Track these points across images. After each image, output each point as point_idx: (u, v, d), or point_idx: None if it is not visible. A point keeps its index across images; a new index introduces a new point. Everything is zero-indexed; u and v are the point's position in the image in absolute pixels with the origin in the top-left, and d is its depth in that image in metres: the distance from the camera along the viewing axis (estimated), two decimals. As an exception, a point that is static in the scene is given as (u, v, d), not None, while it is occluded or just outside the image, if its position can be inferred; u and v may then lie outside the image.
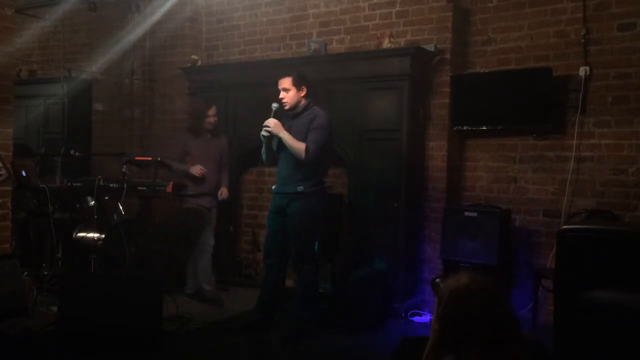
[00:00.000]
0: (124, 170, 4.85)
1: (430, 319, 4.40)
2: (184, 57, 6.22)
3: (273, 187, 4.52)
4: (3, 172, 4.50)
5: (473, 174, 5.18)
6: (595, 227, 3.37)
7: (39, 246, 5.28)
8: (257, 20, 6.11)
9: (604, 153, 4.61)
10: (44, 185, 5.17)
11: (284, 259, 4.44)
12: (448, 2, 5.03)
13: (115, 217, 5.16)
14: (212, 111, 5.18)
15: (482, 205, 4.91)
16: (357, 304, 4.62)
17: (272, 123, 4.19)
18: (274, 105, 4.27)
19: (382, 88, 5.06)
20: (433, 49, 5.01)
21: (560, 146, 4.78)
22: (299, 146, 4.14)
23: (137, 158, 5.11)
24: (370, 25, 5.46)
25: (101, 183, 4.90)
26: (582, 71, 4.62)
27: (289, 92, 4.26)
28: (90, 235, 5.04)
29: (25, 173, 5.05)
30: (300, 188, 4.23)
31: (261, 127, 4.24)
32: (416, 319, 4.90)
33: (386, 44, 5.11)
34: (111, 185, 4.92)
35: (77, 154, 5.38)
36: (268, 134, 4.22)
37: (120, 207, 5.11)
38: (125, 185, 4.78)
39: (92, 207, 5.06)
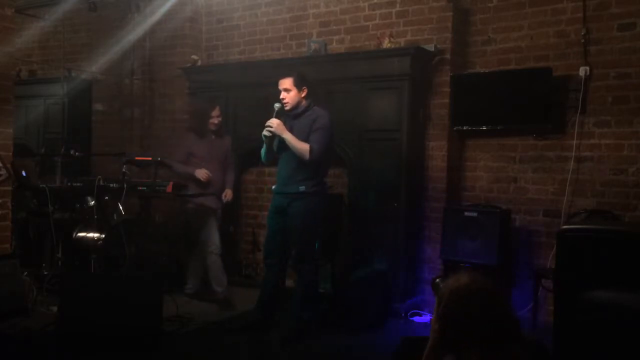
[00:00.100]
0: (124, 170, 4.85)
1: (430, 319, 4.40)
2: (184, 57, 6.22)
3: (273, 187, 4.52)
4: (3, 172, 4.50)
5: (473, 174, 5.18)
6: (595, 227, 3.37)
7: (39, 246, 5.27)
8: (257, 20, 6.11)
9: (604, 153, 4.61)
10: (44, 185, 5.16)
11: (284, 259, 4.44)
12: (448, 2, 5.03)
13: (115, 217, 5.16)
14: (215, 112, 5.13)
15: (482, 205, 4.91)
16: (357, 304, 4.62)
17: (275, 123, 4.19)
18: (276, 105, 4.26)
19: (382, 88, 5.06)
20: (433, 49, 5.01)
21: (560, 146, 4.78)
22: (303, 147, 4.14)
23: (137, 158, 5.10)
24: (370, 25, 5.46)
25: (101, 183, 4.90)
26: (582, 71, 4.62)
27: (290, 93, 4.25)
28: (90, 235, 5.04)
29: (25, 173, 5.04)
30: (302, 188, 4.23)
31: (261, 127, 4.23)
32: (416, 319, 4.90)
33: (386, 44, 5.11)
34: (111, 185, 4.92)
35: (77, 154, 5.38)
36: (270, 134, 4.22)
37: (120, 207, 5.11)
38: (125, 185, 4.78)
39: (92, 207, 5.06)
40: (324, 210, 4.40)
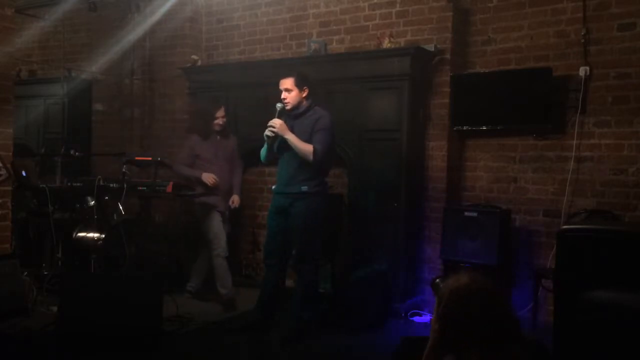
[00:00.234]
0: (124, 170, 4.85)
1: (430, 319, 4.40)
2: (184, 57, 6.22)
3: (273, 187, 4.52)
4: (3, 172, 4.50)
5: (473, 174, 5.18)
6: (595, 227, 3.38)
7: (39, 246, 5.28)
8: (257, 20, 6.11)
9: (604, 153, 4.61)
10: (44, 185, 5.16)
11: (284, 259, 4.44)
12: (448, 2, 5.03)
13: (115, 217, 5.16)
14: (220, 112, 5.09)
15: (482, 205, 4.91)
16: (357, 304, 4.62)
17: (277, 124, 4.18)
18: (279, 105, 4.25)
19: (382, 88, 5.05)
20: (433, 49, 5.01)
21: (560, 146, 4.78)
22: (306, 148, 4.14)
23: (137, 158, 5.10)
24: (370, 25, 5.46)
25: (101, 183, 4.91)
26: (582, 71, 4.62)
27: (291, 93, 4.25)
28: (90, 235, 5.04)
29: (25, 173, 5.04)
30: (304, 188, 4.23)
31: (261, 127, 4.23)
32: (416, 319, 4.90)
33: (386, 44, 5.11)
34: (111, 185, 4.92)
35: (77, 154, 5.38)
36: (273, 134, 4.21)
37: (120, 207, 5.11)
38: (125, 185, 4.78)
39: (92, 207, 5.06)
40: (326, 210, 4.40)
